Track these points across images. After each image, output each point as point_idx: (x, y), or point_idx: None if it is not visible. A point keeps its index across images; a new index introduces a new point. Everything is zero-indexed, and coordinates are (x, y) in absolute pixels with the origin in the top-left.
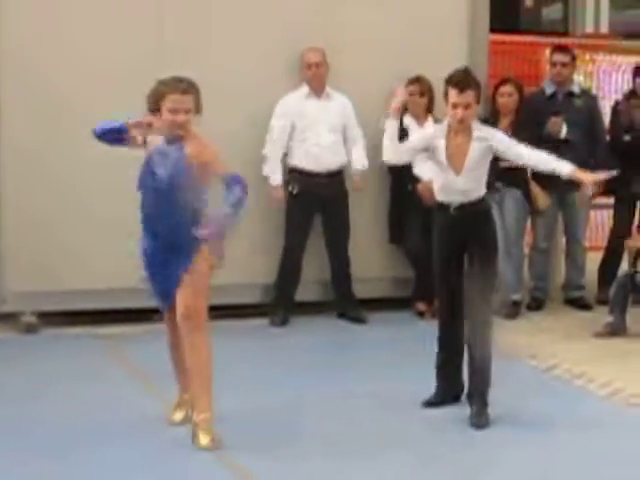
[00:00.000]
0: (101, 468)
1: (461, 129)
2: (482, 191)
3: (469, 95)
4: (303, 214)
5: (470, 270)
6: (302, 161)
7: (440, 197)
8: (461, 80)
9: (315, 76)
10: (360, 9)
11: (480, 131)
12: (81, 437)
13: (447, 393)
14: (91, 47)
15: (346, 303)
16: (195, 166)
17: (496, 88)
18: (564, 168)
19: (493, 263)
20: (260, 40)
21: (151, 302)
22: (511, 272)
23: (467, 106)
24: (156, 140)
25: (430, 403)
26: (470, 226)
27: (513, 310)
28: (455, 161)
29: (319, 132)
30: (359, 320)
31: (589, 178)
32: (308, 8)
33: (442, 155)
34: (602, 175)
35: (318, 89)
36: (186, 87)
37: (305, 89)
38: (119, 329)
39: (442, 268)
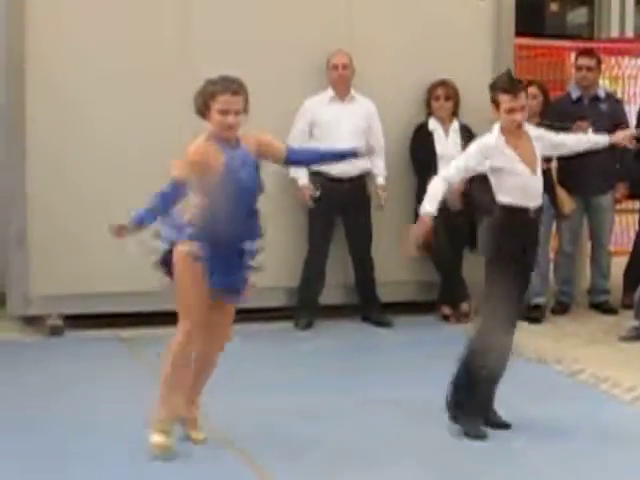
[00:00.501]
0: (120, 468)
1: (519, 132)
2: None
3: (522, 97)
4: (325, 218)
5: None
6: (326, 166)
7: (514, 200)
8: (513, 84)
9: (341, 78)
10: (385, 13)
11: (533, 131)
12: (102, 438)
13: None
14: (113, 55)
15: (370, 307)
16: (257, 161)
17: None
18: (600, 139)
19: None
20: (286, 45)
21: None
22: (536, 276)
23: (523, 108)
24: (211, 154)
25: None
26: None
27: (537, 313)
28: (529, 162)
29: (342, 136)
30: (383, 324)
31: (625, 135)
32: (333, 12)
33: (516, 160)
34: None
35: (343, 92)
36: (237, 88)
37: (330, 92)
38: (143, 332)
39: (515, 276)
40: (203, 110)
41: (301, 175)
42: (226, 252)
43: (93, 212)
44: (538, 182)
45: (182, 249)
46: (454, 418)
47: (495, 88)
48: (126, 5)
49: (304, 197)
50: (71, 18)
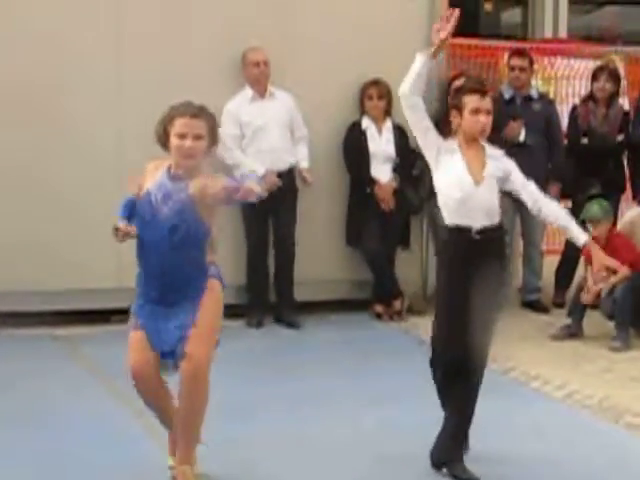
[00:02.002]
0: (60, 466)
1: (474, 142)
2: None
3: (489, 101)
4: (259, 216)
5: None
6: (254, 164)
7: (454, 220)
8: (481, 85)
9: (262, 74)
10: (317, 12)
11: (493, 151)
12: (40, 435)
13: None
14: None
15: (284, 306)
16: (201, 206)
17: (449, 83)
18: (580, 238)
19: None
20: (211, 42)
21: (109, 303)
22: (530, 273)
23: (488, 113)
24: (153, 176)
25: None
26: (487, 255)
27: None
28: (473, 170)
29: (269, 133)
30: (293, 324)
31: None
32: (266, 9)
33: (459, 164)
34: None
35: (262, 90)
36: (197, 111)
37: (249, 92)
38: (77, 330)
39: (454, 303)
40: (164, 139)
41: (252, 165)
42: (163, 299)
43: (27, 207)
44: (480, 192)
45: None
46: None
47: (461, 91)
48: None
49: (272, 182)
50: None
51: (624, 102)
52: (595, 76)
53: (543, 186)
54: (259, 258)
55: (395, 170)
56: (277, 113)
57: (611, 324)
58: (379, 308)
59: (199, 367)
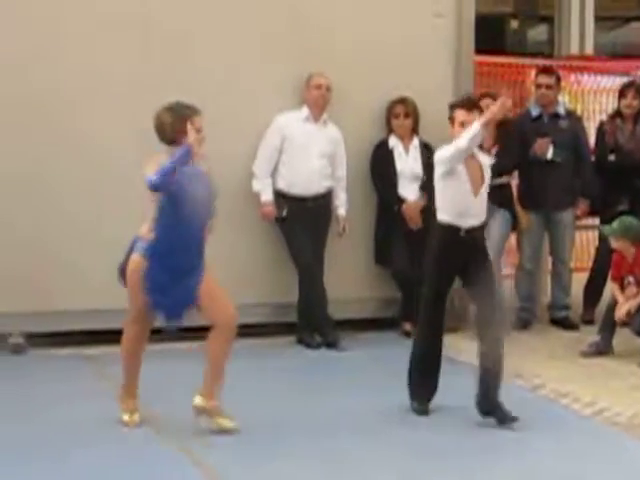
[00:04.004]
0: None
1: (472, 152)
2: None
3: (475, 114)
4: (300, 235)
5: (477, 289)
6: (290, 185)
7: (450, 219)
8: (469, 100)
9: (322, 98)
10: (345, 29)
11: (481, 154)
12: (66, 455)
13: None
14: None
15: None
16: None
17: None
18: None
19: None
20: (255, 60)
21: None
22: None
23: None
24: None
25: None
26: (474, 248)
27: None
28: (474, 183)
29: (309, 156)
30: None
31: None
32: (295, 26)
33: (464, 177)
34: None
35: (318, 114)
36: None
37: (305, 111)
38: (106, 349)
39: (440, 288)
40: (177, 135)
41: (266, 190)
42: (182, 271)
43: (56, 229)
44: (477, 202)
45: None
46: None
47: (453, 106)
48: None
49: (267, 214)
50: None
51: None
52: (622, 93)
53: (572, 203)
54: (315, 276)
55: (422, 188)
56: (323, 141)
57: None
58: (407, 326)
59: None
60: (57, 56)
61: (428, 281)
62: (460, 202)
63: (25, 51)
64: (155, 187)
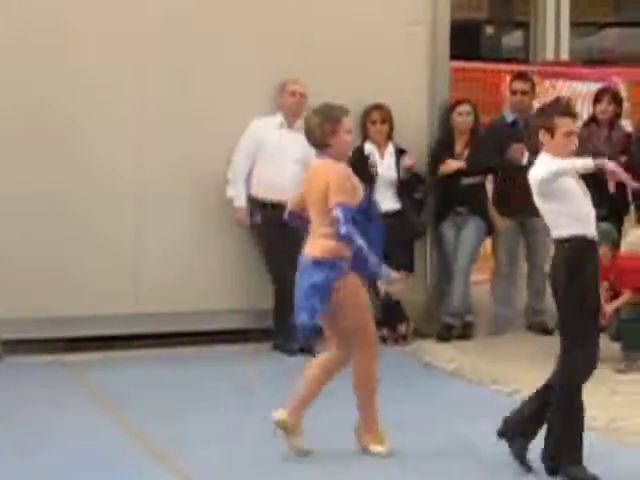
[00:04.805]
0: None
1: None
2: None
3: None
4: (275, 241)
5: None
6: (265, 192)
7: (582, 230)
8: (573, 108)
9: (298, 105)
10: (320, 37)
11: None
12: (38, 463)
13: None
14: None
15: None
16: None
17: (452, 108)
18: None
19: None
20: (230, 66)
21: (113, 330)
22: (460, 294)
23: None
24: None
25: None
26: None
27: (466, 331)
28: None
29: (284, 163)
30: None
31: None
32: (270, 34)
33: (574, 181)
34: None
35: (293, 120)
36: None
37: (280, 118)
38: (84, 356)
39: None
40: (328, 137)
41: (239, 195)
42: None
43: (33, 236)
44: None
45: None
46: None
47: (550, 113)
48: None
49: (240, 220)
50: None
51: (626, 124)
52: (597, 98)
53: None
54: (290, 282)
55: (398, 194)
56: (298, 147)
57: (617, 346)
58: (384, 332)
59: None
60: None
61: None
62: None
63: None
64: (342, 237)
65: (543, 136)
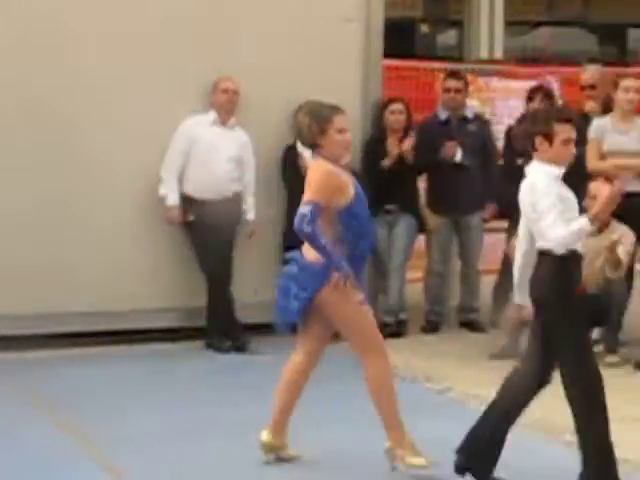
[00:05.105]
0: None
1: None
2: None
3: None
4: (208, 239)
5: None
6: (198, 190)
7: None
8: (572, 112)
9: (230, 103)
10: (253, 35)
11: None
12: None
13: None
14: None
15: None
16: None
17: (385, 106)
18: None
19: None
20: (163, 64)
21: (44, 329)
22: (395, 292)
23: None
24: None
25: None
26: None
27: (400, 329)
28: None
29: (217, 160)
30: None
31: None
32: (202, 31)
33: (569, 196)
34: None
35: (226, 118)
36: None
37: (212, 115)
38: (16, 355)
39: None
40: (317, 138)
41: (172, 194)
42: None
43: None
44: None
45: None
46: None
47: (548, 119)
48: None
49: (173, 219)
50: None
51: None
52: (530, 96)
53: (480, 206)
54: (223, 280)
55: None
56: (231, 145)
57: None
58: None
59: None
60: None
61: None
62: None
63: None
64: (305, 234)
65: (540, 143)
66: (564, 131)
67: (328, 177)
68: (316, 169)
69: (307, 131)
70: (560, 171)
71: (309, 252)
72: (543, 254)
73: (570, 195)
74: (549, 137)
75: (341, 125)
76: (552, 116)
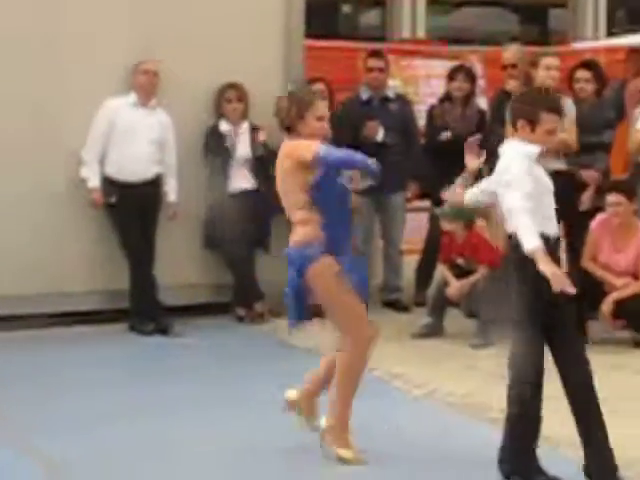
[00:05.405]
0: None
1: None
2: None
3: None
4: (130, 221)
5: None
6: (119, 172)
7: (547, 229)
8: (559, 104)
9: (150, 84)
10: (173, 16)
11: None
12: None
13: None
14: None
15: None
16: None
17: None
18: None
19: None
20: (84, 45)
21: None
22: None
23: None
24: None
25: None
26: None
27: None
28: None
29: (138, 142)
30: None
31: None
32: (121, 14)
33: (545, 179)
34: None
35: (147, 99)
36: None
37: (133, 97)
38: None
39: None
40: (295, 122)
41: (93, 176)
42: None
43: None
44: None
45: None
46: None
47: (537, 105)
48: None
49: (95, 201)
50: None
51: (481, 102)
52: (452, 76)
53: (402, 185)
54: (145, 263)
55: (253, 171)
56: (152, 126)
57: (471, 322)
58: (241, 311)
59: None
60: None
61: None
62: None
63: None
64: (322, 160)
65: (522, 127)
66: (550, 121)
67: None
68: (295, 144)
69: (285, 114)
70: (538, 150)
71: (293, 235)
72: (512, 237)
73: (545, 177)
74: (533, 124)
75: (321, 112)
76: (540, 104)
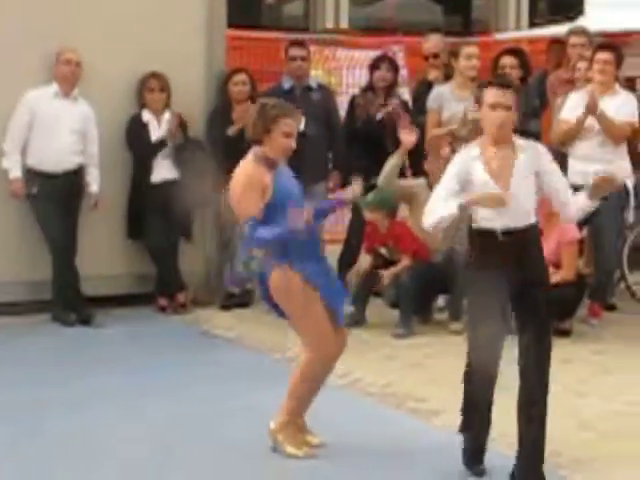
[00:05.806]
0: None
1: (501, 139)
2: (533, 217)
3: (510, 96)
4: (52, 212)
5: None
6: (41, 162)
7: (491, 224)
8: (503, 80)
9: (72, 74)
10: (95, 5)
11: (525, 143)
12: None
13: None
14: None
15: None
16: None
17: (229, 77)
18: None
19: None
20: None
21: None
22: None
23: (508, 108)
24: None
25: None
26: (518, 256)
27: (246, 299)
28: (501, 176)
29: (59, 133)
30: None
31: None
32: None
33: (481, 173)
34: None
35: (69, 89)
36: (295, 109)
37: (54, 87)
38: None
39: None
40: (262, 135)
41: (15, 167)
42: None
43: None
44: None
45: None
46: None
47: (482, 85)
48: None
49: (16, 192)
50: None
51: (403, 92)
52: (375, 65)
53: (324, 175)
54: (67, 253)
55: (176, 162)
56: (72, 116)
57: (394, 312)
58: (163, 301)
59: None
60: None
61: None
62: None
63: None
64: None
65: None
66: (490, 95)
67: (256, 180)
68: (242, 171)
69: (252, 127)
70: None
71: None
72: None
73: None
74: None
75: (288, 129)
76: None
